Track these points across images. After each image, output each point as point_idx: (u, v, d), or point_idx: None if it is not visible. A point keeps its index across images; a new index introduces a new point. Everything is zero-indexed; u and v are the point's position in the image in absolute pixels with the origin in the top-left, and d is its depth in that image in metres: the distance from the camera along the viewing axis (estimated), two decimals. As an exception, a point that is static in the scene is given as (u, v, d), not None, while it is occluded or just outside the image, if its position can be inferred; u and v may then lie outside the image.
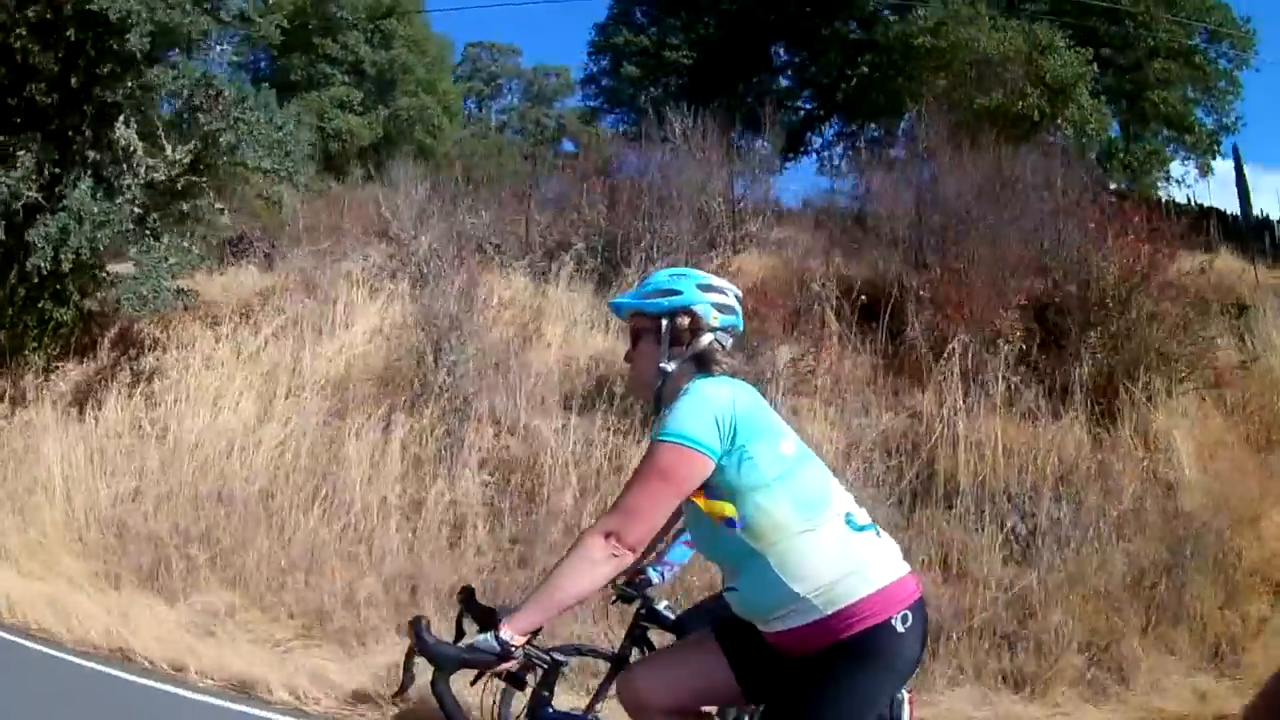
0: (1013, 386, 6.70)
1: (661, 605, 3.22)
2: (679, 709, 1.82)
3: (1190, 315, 7.01)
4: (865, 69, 12.82)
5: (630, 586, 3.13)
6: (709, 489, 1.65)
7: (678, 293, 1.84)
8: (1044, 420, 6.60)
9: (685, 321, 1.81)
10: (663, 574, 3.19)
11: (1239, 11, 12.26)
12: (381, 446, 6.37)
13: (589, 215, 10.15)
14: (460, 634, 1.87)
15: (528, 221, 10.91)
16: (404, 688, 1.83)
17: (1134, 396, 6.70)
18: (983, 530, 5.72)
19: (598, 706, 3.17)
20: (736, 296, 1.87)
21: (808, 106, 15.48)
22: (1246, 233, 10.69)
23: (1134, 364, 6.84)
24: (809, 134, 14.62)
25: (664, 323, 1.83)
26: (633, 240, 8.97)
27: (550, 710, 1.84)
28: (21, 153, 7.23)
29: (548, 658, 1.71)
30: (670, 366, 1.80)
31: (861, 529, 1.72)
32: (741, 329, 1.86)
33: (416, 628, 1.61)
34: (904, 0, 12.96)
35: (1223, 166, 13.41)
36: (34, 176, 7.28)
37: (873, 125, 12.83)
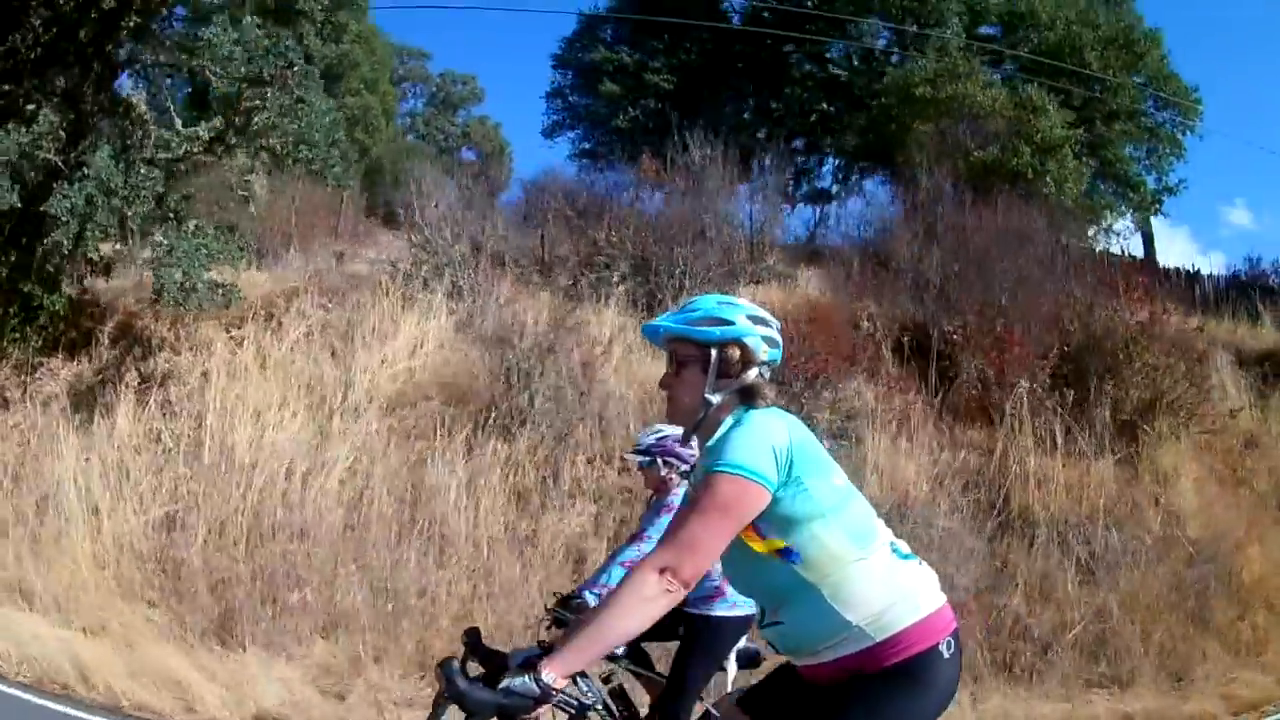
0: (1059, 427, 7.50)
1: None
2: None
3: (1189, 367, 8.21)
4: (864, 112, 13.37)
5: (567, 610, 3.16)
6: (762, 522, 1.65)
7: (729, 322, 1.80)
8: (1085, 458, 7.45)
9: (735, 354, 1.79)
10: (597, 595, 3.22)
11: (1188, 80, 13.91)
12: (470, 474, 5.88)
13: (611, 237, 9.94)
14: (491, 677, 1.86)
15: (544, 238, 10.61)
16: None
17: (1147, 437, 7.84)
18: (1053, 558, 6.51)
19: None
20: (779, 329, 1.87)
21: (797, 144, 15.96)
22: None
23: (1146, 409, 7.96)
24: (797, 169, 14.94)
25: (713, 353, 1.79)
26: (663, 267, 8.92)
27: None
28: (36, 108, 6.16)
29: (575, 701, 1.65)
30: (716, 398, 1.78)
31: (906, 557, 1.75)
32: (779, 362, 1.88)
33: (447, 671, 1.54)
34: (893, 50, 13.77)
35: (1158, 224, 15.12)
36: (50, 136, 6.22)
37: (880, 168, 13.44)
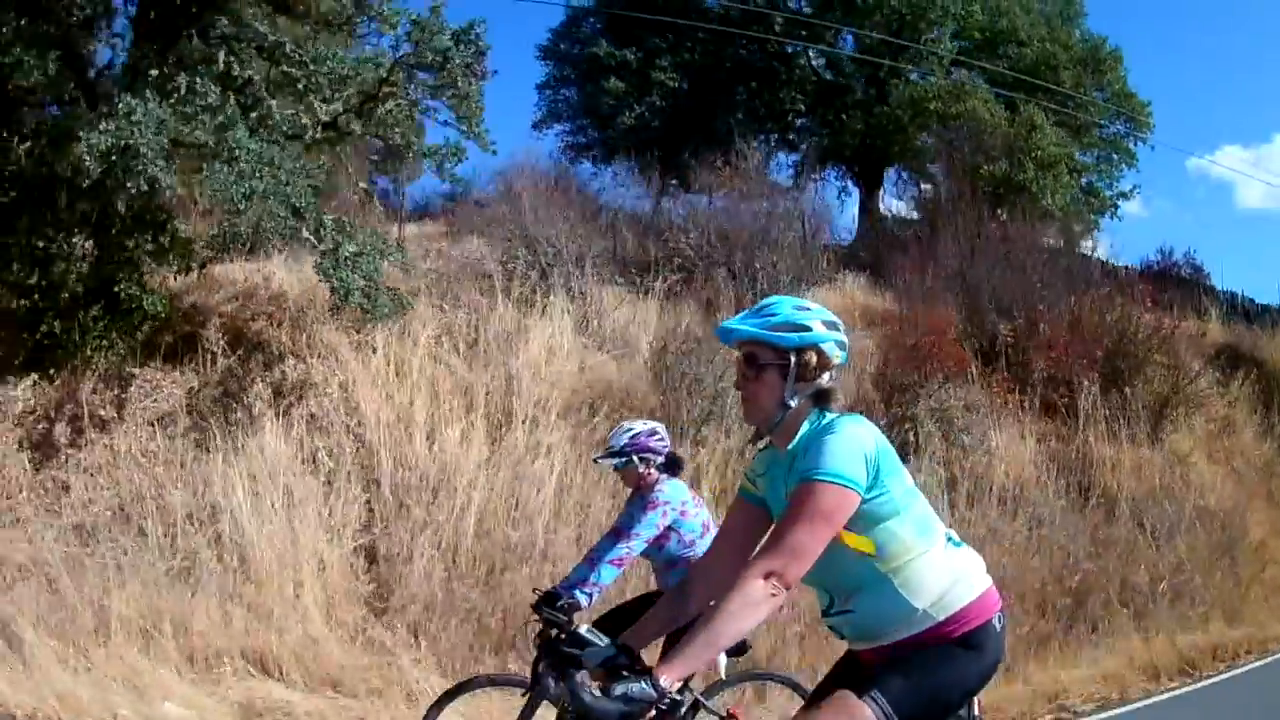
0: (1109, 417, 9.31)
1: (583, 629, 3.35)
2: None
3: (1200, 367, 10.46)
4: (876, 122, 14.36)
5: (560, 610, 3.33)
6: (849, 522, 1.80)
7: (807, 328, 1.92)
8: (1135, 444, 9.29)
9: (813, 359, 1.91)
10: (590, 596, 3.41)
11: (1141, 95, 16.60)
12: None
13: (679, 238, 10.41)
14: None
15: (616, 236, 10.90)
16: None
17: (1170, 426, 9.87)
18: (1129, 527, 8.24)
19: None
20: (847, 332, 2.06)
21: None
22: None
23: (1166, 402, 9.95)
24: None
25: (792, 358, 1.91)
26: (732, 270, 9.51)
27: None
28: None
29: (668, 699, 1.80)
30: (794, 402, 1.91)
31: (959, 545, 1.96)
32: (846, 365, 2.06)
33: (571, 685, 1.76)
34: (885, 61, 14.85)
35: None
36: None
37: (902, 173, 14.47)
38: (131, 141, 5.53)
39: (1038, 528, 7.63)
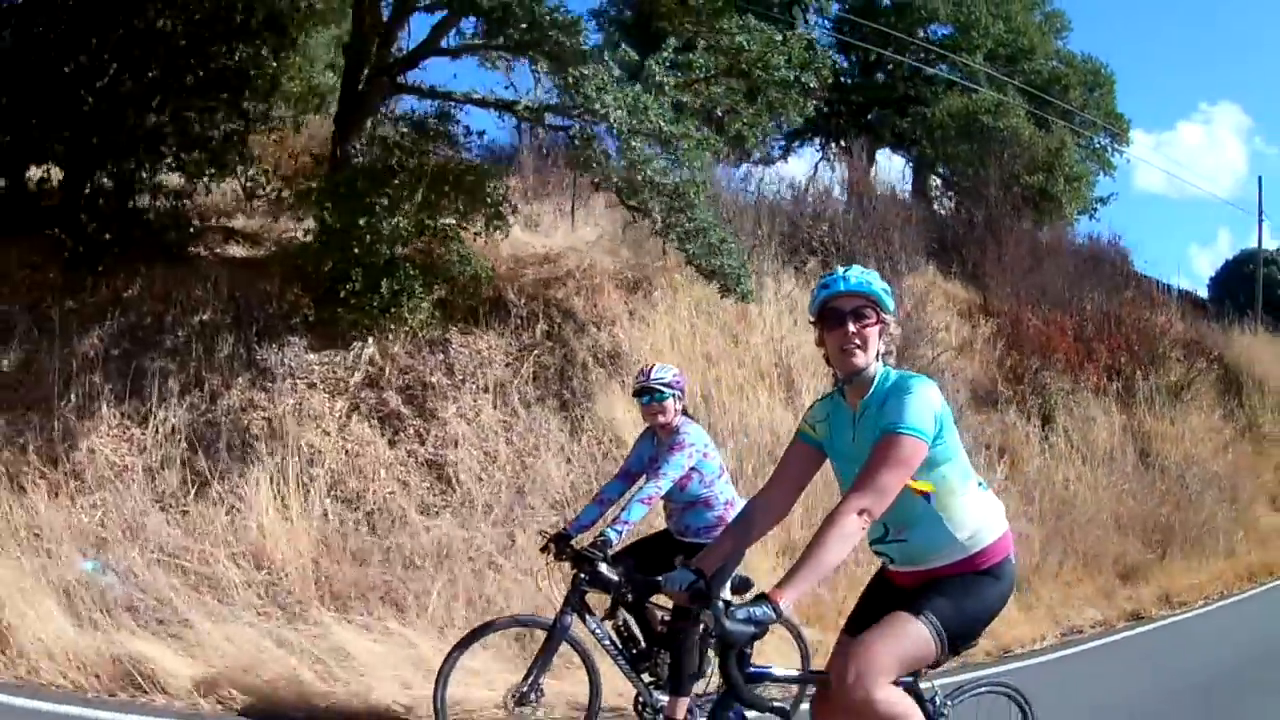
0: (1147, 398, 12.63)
1: (602, 568, 3.69)
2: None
3: (1208, 361, 13.98)
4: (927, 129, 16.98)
5: (593, 548, 3.68)
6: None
7: (889, 295, 2.42)
8: (1166, 421, 12.63)
9: (891, 323, 2.42)
10: (620, 533, 3.72)
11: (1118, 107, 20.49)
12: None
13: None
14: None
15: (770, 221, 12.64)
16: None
17: (1175, 405, 13.23)
18: (1177, 482, 11.56)
19: (542, 678, 3.77)
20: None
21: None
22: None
23: (1183, 388, 13.45)
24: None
25: (888, 318, 2.39)
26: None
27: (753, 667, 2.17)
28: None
29: (782, 619, 2.07)
30: (880, 359, 2.38)
31: (985, 488, 2.49)
32: None
33: (715, 610, 2.01)
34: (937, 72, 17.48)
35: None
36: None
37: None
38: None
39: (1123, 481, 10.83)
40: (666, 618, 3.94)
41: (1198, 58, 61.63)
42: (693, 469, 3.89)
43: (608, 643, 3.91)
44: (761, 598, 2.01)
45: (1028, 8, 19.31)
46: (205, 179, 7.45)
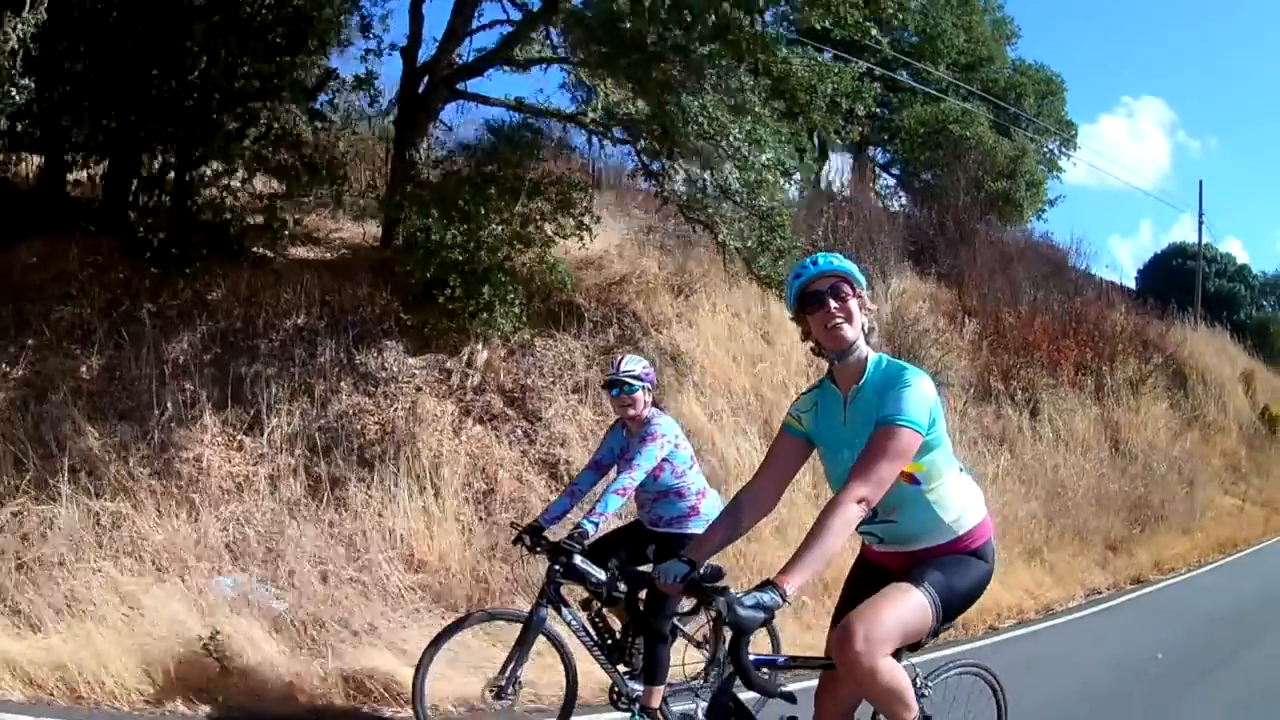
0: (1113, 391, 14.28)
1: (578, 560, 3.79)
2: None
3: (1165, 358, 15.77)
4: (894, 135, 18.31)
5: (570, 540, 3.76)
6: None
7: (861, 273, 2.53)
8: (1129, 411, 14.32)
9: (866, 297, 2.55)
10: (597, 524, 3.78)
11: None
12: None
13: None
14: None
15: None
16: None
17: (1136, 397, 14.99)
18: (1143, 466, 13.25)
19: (520, 671, 3.86)
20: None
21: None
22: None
23: (1141, 380, 15.11)
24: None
25: (863, 294, 2.52)
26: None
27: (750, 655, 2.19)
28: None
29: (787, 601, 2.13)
30: (866, 331, 2.52)
31: (967, 472, 2.67)
32: None
33: (729, 598, 2.09)
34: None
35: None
36: None
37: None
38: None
39: (1100, 467, 12.31)
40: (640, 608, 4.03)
41: (1121, 53, 65.92)
42: (665, 460, 4.00)
43: (583, 634, 4.01)
44: (768, 584, 2.10)
45: (981, 15, 20.93)
46: (301, 182, 7.71)
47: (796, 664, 2.65)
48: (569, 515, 4.18)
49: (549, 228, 7.91)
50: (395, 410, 7.10)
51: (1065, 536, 10.17)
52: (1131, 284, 25.20)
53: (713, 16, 6.37)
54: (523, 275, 8.13)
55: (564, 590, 3.92)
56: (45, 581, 5.13)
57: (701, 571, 2.32)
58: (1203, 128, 64.82)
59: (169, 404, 6.59)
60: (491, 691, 3.84)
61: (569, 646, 4.07)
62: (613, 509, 3.79)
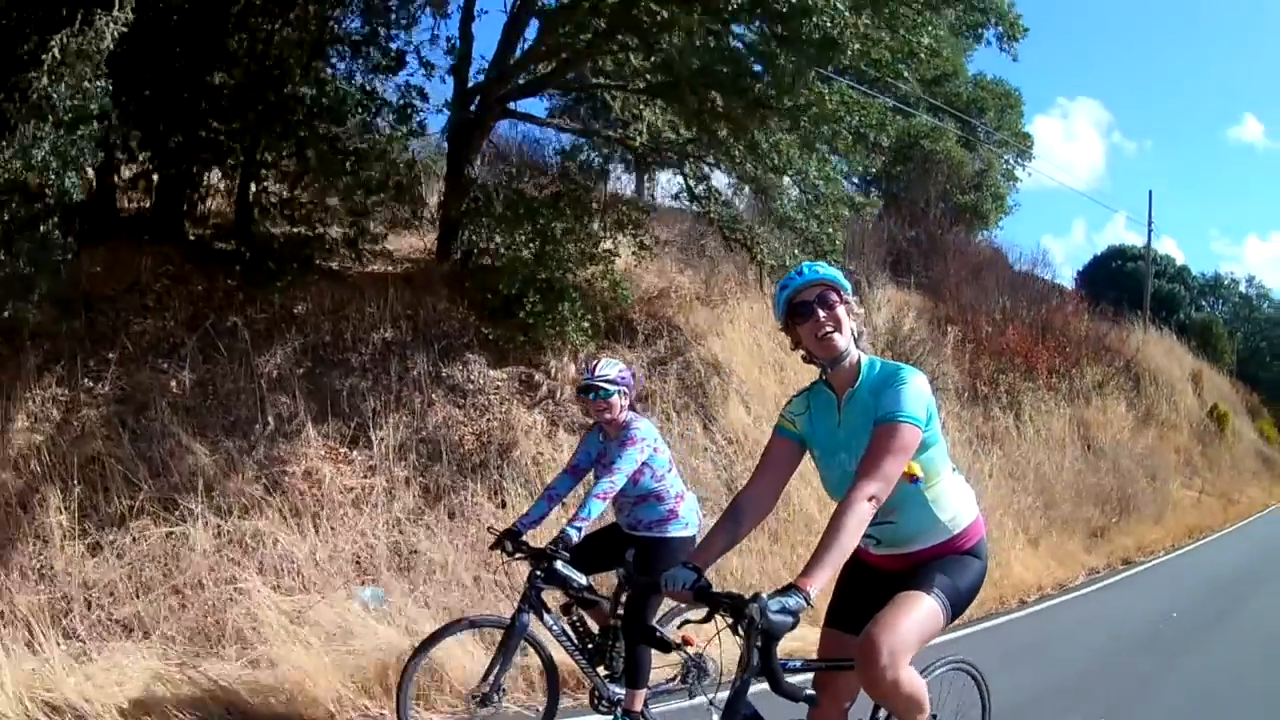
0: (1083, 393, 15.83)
1: (559, 565, 3.85)
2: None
3: (1126, 362, 17.25)
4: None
5: (553, 545, 3.85)
6: None
7: (845, 279, 2.59)
8: (1096, 410, 15.85)
9: (854, 302, 2.62)
10: (580, 530, 3.87)
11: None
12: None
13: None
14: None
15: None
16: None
17: (1101, 397, 16.56)
18: (1112, 461, 14.85)
19: (503, 677, 3.94)
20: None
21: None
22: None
23: (1104, 383, 16.58)
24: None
25: (851, 300, 2.59)
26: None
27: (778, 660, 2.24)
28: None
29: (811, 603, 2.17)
30: (856, 337, 2.58)
31: (959, 472, 2.74)
32: None
33: (762, 604, 2.10)
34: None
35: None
36: None
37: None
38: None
39: (1076, 463, 13.77)
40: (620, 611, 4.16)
41: (1057, 55, 68.36)
42: (645, 463, 4.06)
43: (564, 638, 4.10)
44: (791, 587, 2.15)
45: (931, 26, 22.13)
46: (380, 198, 8.12)
47: (812, 667, 2.68)
48: (546, 519, 4.28)
49: (612, 244, 8.69)
50: (489, 421, 7.71)
51: (1055, 525, 11.49)
52: (1069, 284, 26.82)
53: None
54: (589, 291, 8.83)
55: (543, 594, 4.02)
56: (196, 604, 5.36)
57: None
58: (1138, 129, 67.77)
59: (269, 418, 6.81)
60: (475, 699, 3.89)
61: (550, 651, 4.20)
62: (595, 514, 3.86)
